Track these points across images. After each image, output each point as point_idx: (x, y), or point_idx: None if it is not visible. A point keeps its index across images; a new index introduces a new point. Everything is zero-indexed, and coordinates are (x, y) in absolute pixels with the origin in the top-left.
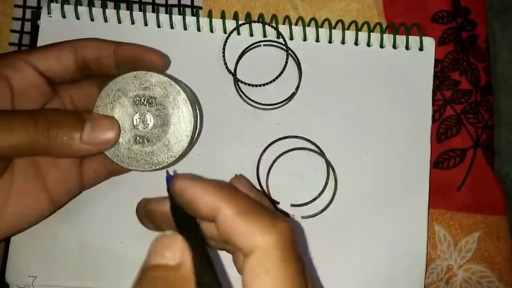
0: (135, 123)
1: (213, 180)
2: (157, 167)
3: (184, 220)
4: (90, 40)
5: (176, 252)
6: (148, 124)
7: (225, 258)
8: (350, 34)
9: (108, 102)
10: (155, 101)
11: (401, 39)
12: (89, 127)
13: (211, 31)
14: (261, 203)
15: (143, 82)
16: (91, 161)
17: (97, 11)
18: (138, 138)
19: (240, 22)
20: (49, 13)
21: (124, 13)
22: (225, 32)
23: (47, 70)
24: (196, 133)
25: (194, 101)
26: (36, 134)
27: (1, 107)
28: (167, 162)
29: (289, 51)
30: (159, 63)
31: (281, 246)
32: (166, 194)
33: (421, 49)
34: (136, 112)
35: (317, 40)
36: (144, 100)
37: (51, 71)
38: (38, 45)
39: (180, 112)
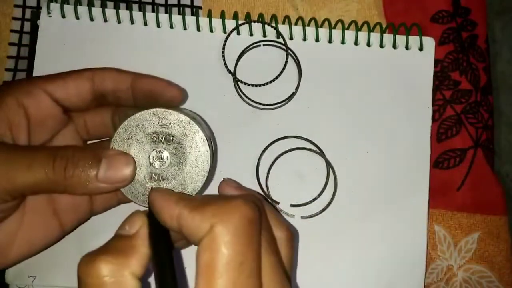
0: (151, 160)
1: (180, 193)
2: None
3: (156, 225)
4: (109, 71)
5: (135, 225)
6: (165, 162)
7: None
8: (350, 34)
9: (126, 138)
10: (173, 139)
11: (401, 39)
12: (105, 165)
13: (211, 31)
14: (220, 195)
15: (162, 120)
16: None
17: (96, 11)
18: (153, 175)
19: (239, 22)
20: (48, 13)
21: (123, 13)
22: (224, 32)
23: (64, 99)
24: (211, 171)
25: (211, 138)
26: (54, 174)
27: (17, 136)
28: None
29: (289, 51)
30: (177, 98)
31: (229, 232)
32: None
33: (421, 49)
34: (153, 149)
35: (317, 40)
36: (162, 137)
37: (68, 100)
38: (37, 45)
39: (198, 152)
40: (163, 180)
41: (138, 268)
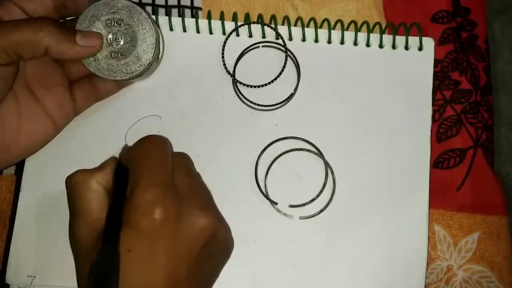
0: (109, 41)
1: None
2: (132, 76)
3: (120, 165)
4: None
5: (108, 161)
6: (120, 41)
7: None
8: (349, 35)
9: (85, 27)
10: (123, 22)
11: (400, 39)
12: (80, 34)
13: (210, 32)
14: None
15: (111, 7)
16: (81, 89)
17: None
18: (113, 53)
19: (239, 24)
20: None
21: None
22: (224, 33)
23: (32, 11)
24: (160, 48)
25: (154, 21)
26: (38, 31)
27: None
28: (138, 70)
29: (288, 52)
30: None
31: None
32: None
33: (420, 49)
34: (109, 33)
35: (316, 41)
36: (114, 22)
37: (35, 11)
38: None
39: (144, 29)
40: (121, 56)
41: (102, 179)
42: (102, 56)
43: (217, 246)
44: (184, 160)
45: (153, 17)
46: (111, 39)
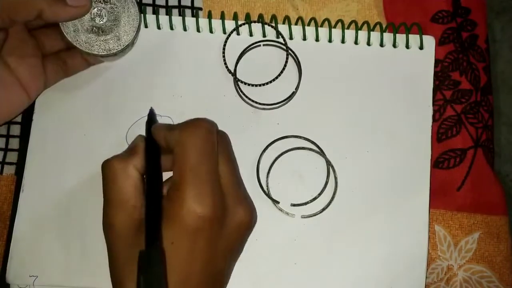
0: (93, 16)
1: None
2: (108, 53)
3: (150, 142)
4: None
5: (137, 141)
6: (103, 18)
7: None
8: (350, 33)
9: None
10: (110, 1)
11: (401, 38)
12: None
13: (211, 31)
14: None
15: None
16: (51, 63)
17: None
18: (94, 28)
19: (239, 23)
20: None
21: None
22: (224, 32)
23: None
24: (139, 28)
25: (139, 7)
26: None
27: None
28: (116, 49)
29: (289, 50)
30: None
31: (190, 134)
32: None
33: (421, 47)
34: (94, 8)
35: (317, 40)
36: None
37: None
38: None
39: (129, 12)
40: (102, 32)
41: (138, 163)
42: (83, 29)
43: (249, 235)
44: (226, 145)
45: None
46: (95, 13)
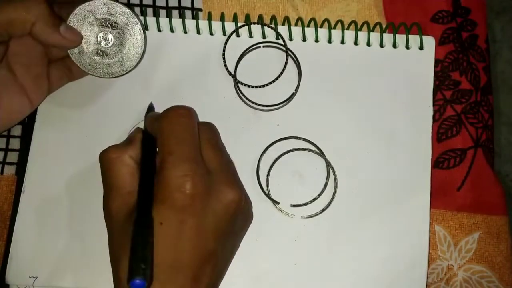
0: (98, 39)
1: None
2: (110, 77)
3: (146, 134)
4: None
5: (135, 133)
6: (109, 42)
7: None
8: (349, 34)
9: (80, 19)
10: (117, 26)
11: (401, 38)
12: (64, 26)
13: (211, 33)
14: None
15: (110, 9)
16: (56, 69)
17: None
18: (99, 51)
19: (239, 24)
20: None
21: None
22: (224, 34)
23: None
24: (143, 55)
25: (145, 32)
26: (28, 13)
27: None
28: (118, 74)
29: (289, 51)
30: None
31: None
32: None
33: (421, 48)
34: (101, 31)
35: (317, 41)
36: (108, 23)
37: None
38: None
39: (135, 39)
40: (106, 56)
41: (134, 153)
42: (88, 51)
43: (241, 219)
44: (210, 132)
45: (155, 19)
46: (101, 37)
